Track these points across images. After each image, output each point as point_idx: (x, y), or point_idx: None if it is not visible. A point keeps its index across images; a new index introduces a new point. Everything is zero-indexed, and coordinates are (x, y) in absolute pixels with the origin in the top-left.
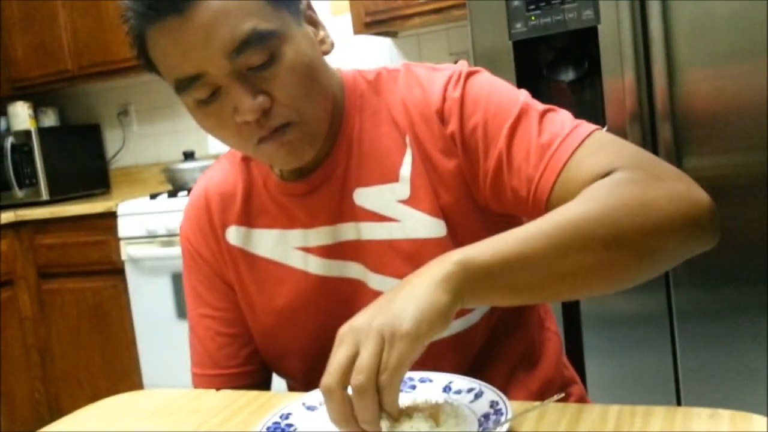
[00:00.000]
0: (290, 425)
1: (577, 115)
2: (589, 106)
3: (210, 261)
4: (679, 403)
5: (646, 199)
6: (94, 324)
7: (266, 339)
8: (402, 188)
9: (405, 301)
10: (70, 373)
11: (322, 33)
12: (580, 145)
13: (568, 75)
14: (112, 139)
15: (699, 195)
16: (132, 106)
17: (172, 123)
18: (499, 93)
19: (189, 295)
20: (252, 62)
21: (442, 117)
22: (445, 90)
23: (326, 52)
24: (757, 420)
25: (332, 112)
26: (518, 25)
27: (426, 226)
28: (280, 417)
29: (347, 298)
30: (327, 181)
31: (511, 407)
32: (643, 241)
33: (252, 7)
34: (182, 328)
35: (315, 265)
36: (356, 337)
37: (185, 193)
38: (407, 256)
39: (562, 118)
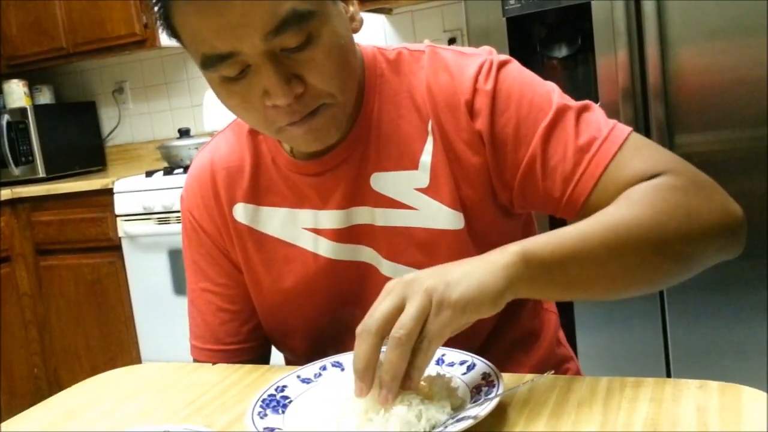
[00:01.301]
0: (285, 397)
1: (570, 91)
2: (581, 82)
3: (214, 236)
4: (668, 377)
5: (690, 207)
6: (92, 300)
7: (272, 317)
8: (421, 176)
9: (461, 276)
10: (68, 349)
11: (352, 9)
12: (619, 148)
13: (561, 51)
14: (107, 117)
15: (734, 206)
16: (127, 84)
17: (167, 100)
18: (532, 89)
19: (189, 267)
20: (288, 43)
21: (471, 110)
22: (476, 81)
23: (356, 30)
24: (746, 391)
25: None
26: (512, 2)
27: (444, 216)
28: (276, 389)
29: (357, 282)
30: (343, 163)
31: (502, 380)
32: (687, 247)
33: None
34: (179, 304)
35: (325, 248)
36: (405, 291)
37: (181, 170)
38: (422, 245)
39: (597, 117)
